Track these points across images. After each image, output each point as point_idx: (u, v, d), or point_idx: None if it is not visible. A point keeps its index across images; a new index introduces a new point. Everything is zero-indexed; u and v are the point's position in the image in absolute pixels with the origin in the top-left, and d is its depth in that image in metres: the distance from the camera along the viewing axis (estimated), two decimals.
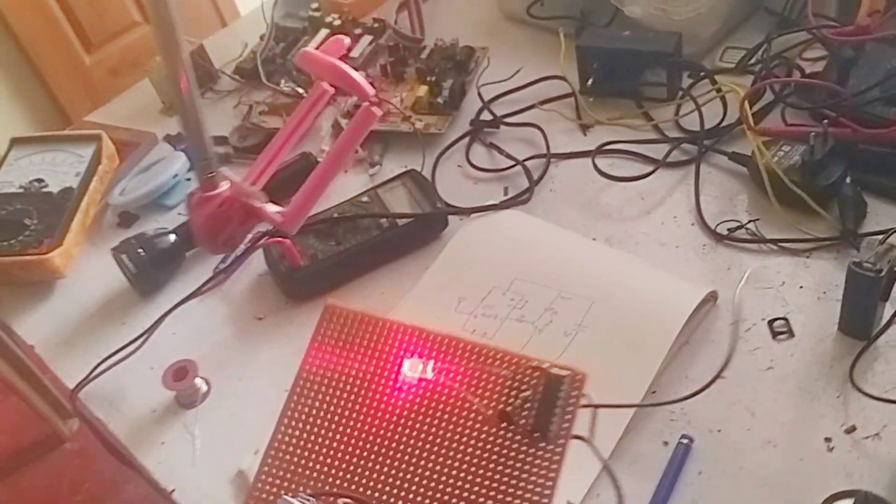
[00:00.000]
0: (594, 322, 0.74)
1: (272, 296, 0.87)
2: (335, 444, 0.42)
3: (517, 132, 0.96)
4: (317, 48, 0.69)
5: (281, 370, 0.79)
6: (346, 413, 0.42)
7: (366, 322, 0.42)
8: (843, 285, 0.68)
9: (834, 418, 0.66)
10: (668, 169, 0.88)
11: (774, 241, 0.78)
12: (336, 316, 0.44)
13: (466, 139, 0.97)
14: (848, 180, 0.78)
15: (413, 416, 0.39)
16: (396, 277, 0.85)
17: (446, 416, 0.39)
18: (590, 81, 0.96)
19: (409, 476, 0.39)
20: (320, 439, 0.42)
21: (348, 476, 0.39)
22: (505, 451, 0.39)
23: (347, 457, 0.40)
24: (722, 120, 0.89)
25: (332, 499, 0.34)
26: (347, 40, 0.70)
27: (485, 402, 0.35)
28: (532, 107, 0.97)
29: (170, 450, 0.76)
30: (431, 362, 0.37)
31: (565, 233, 0.84)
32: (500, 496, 0.37)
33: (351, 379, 0.42)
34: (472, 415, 0.38)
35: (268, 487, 0.46)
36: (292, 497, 0.41)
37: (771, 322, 0.73)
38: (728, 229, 0.80)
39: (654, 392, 0.70)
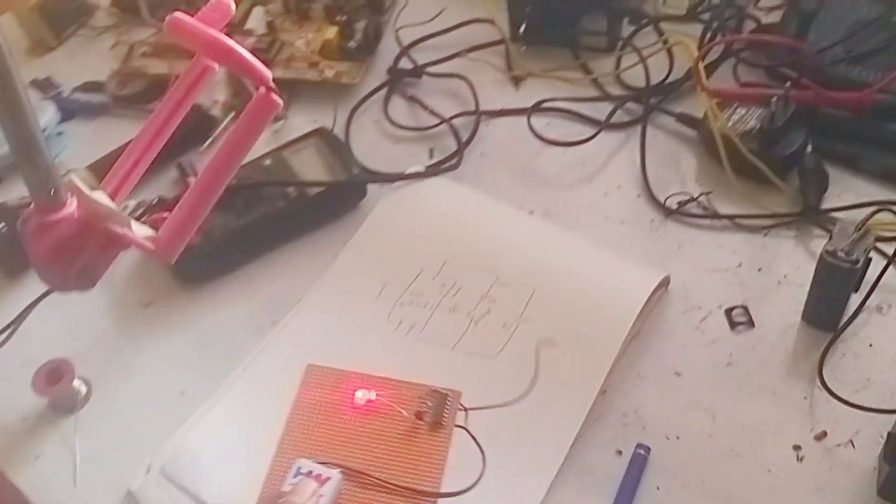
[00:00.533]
0: (536, 313, 0.66)
1: (161, 279, 0.74)
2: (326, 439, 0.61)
3: (441, 84, 0.85)
4: (193, 14, 0.51)
5: (173, 367, 0.69)
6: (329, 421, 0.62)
7: (334, 373, 0.64)
8: (813, 274, 0.62)
9: (802, 423, 0.60)
10: (611, 131, 0.79)
11: (729, 217, 0.71)
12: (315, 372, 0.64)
13: (384, 91, 0.86)
14: (809, 149, 0.71)
15: (368, 421, 0.62)
16: (308, 255, 0.74)
17: (386, 420, 0.62)
18: (522, 27, 0.85)
19: (366, 454, 0.60)
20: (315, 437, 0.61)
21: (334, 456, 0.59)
22: (417, 438, 0.60)
23: (332, 445, 0.60)
24: (668, 75, 0.81)
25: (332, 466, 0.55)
26: (232, 5, 0.53)
27: (405, 409, 0.61)
28: (458, 54, 0.86)
29: (45, 466, 0.64)
30: (374, 391, 0.62)
31: (500, 206, 0.74)
32: (413, 466, 0.59)
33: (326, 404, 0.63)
34: (399, 417, 0.61)
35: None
36: (307, 459, 0.55)
37: (729, 311, 0.66)
38: (678, 202, 0.73)
39: (604, 392, 0.63)
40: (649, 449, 0.59)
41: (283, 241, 0.75)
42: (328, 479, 0.54)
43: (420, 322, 0.68)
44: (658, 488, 0.58)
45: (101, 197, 0.51)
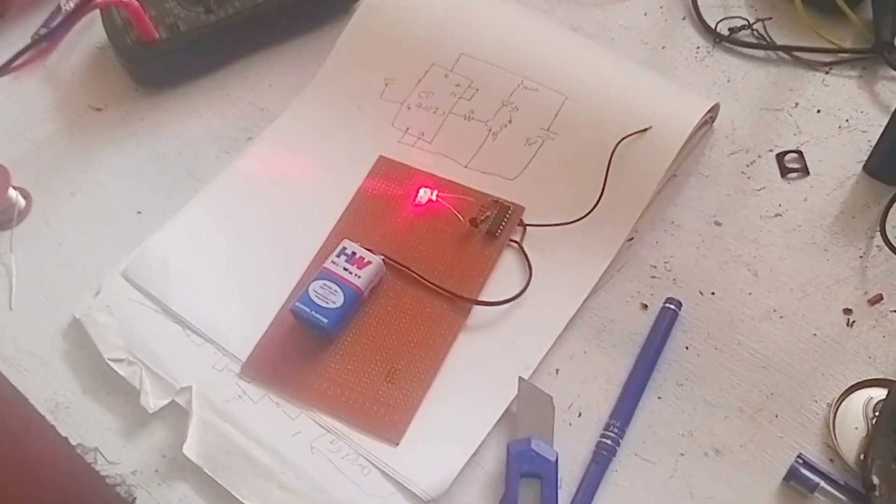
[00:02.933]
0: (566, 128, 0.56)
1: (115, 79, 0.63)
2: (380, 230, 0.55)
3: None
4: None
5: (128, 182, 0.59)
6: (387, 213, 0.56)
7: (404, 168, 0.57)
8: (887, 118, 0.53)
9: (855, 284, 0.52)
10: None
11: (787, 49, 0.61)
12: (385, 164, 0.58)
13: None
14: None
15: (424, 221, 0.55)
16: (292, 63, 0.63)
17: (441, 222, 0.55)
18: None
19: (414, 251, 0.54)
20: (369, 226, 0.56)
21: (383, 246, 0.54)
22: (468, 245, 0.54)
23: (385, 237, 0.55)
24: None
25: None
26: None
27: (463, 215, 0.55)
28: None
29: None
30: (435, 192, 0.55)
31: (523, 7, 0.63)
32: (457, 270, 0.54)
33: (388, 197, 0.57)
34: (455, 221, 0.55)
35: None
36: (354, 243, 0.53)
37: (781, 156, 0.57)
38: (730, 29, 0.62)
39: (630, 239, 0.55)
40: (680, 304, 0.52)
41: (264, 45, 0.64)
42: (369, 262, 0.52)
43: (430, 131, 0.58)
44: (687, 348, 0.51)
45: None
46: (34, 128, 0.62)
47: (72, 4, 0.64)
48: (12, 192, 0.58)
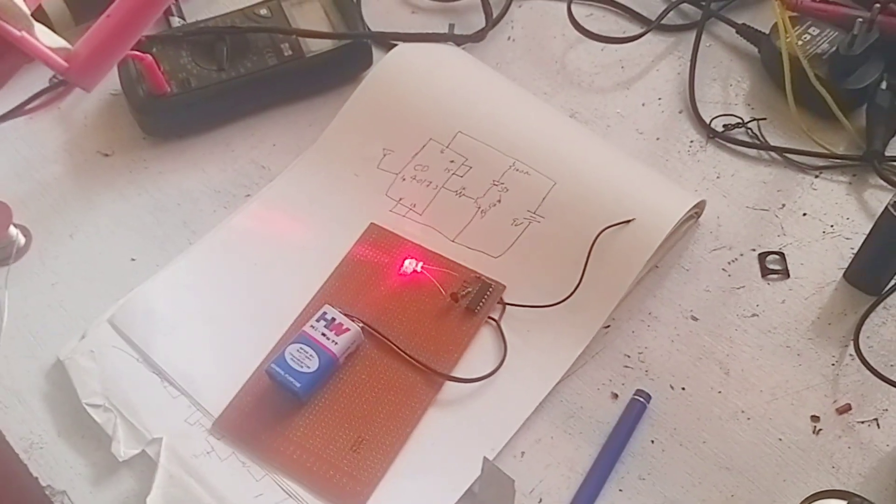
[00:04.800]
0: (552, 212, 0.57)
1: (125, 127, 0.65)
2: (361, 296, 0.57)
3: None
4: None
5: (126, 229, 0.61)
6: (370, 281, 0.57)
7: (393, 237, 0.59)
8: (868, 227, 0.53)
9: (825, 392, 0.53)
10: (660, 33, 0.69)
11: (780, 150, 0.62)
12: (375, 231, 0.59)
13: None
14: (884, 86, 0.62)
15: (407, 291, 0.57)
16: (297, 126, 0.65)
17: (423, 294, 0.56)
18: None
19: (393, 321, 0.55)
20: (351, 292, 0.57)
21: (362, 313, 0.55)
22: (447, 319, 0.56)
23: (365, 304, 0.56)
24: None
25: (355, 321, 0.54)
26: None
27: (445, 289, 0.56)
28: None
29: None
30: (421, 263, 0.57)
31: (523, 90, 0.65)
32: (434, 344, 0.55)
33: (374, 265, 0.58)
34: (436, 294, 0.56)
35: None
36: (335, 308, 0.54)
37: (763, 256, 0.58)
38: (724, 125, 0.64)
39: (607, 327, 0.55)
40: (650, 397, 0.52)
41: (271, 105, 0.66)
42: (347, 329, 0.53)
43: (421, 202, 0.59)
44: (653, 442, 0.51)
45: None
46: (42, 168, 0.64)
47: None
48: (13, 230, 0.60)
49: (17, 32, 0.42)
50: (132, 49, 0.59)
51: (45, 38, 0.42)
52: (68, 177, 0.63)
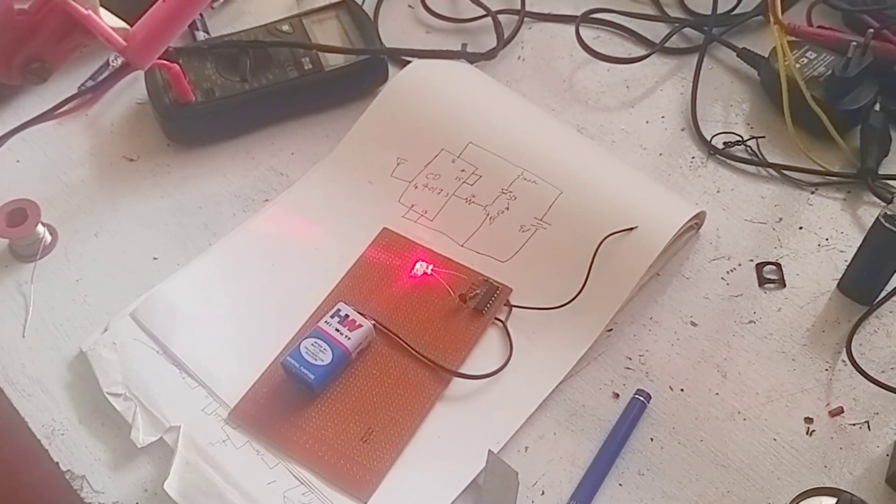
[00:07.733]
0: (558, 220, 0.59)
1: (150, 133, 0.68)
2: (374, 296, 0.59)
3: None
4: None
5: (149, 229, 0.63)
6: (383, 282, 0.60)
7: (405, 241, 0.62)
8: (860, 240, 0.56)
9: (818, 395, 0.55)
10: (664, 56, 0.72)
11: (777, 167, 0.65)
12: (388, 236, 0.62)
13: None
14: (877, 108, 0.64)
15: (417, 292, 0.59)
16: (315, 136, 0.68)
17: (433, 295, 0.59)
18: None
19: (404, 320, 0.58)
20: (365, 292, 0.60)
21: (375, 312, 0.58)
22: (455, 319, 0.58)
23: (378, 303, 0.59)
24: (736, 5, 0.73)
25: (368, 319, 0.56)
26: None
27: (454, 290, 0.58)
28: None
29: None
30: (431, 266, 0.60)
31: (531, 105, 0.68)
32: (442, 342, 0.57)
33: (386, 266, 0.61)
34: (446, 296, 0.59)
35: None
36: (349, 305, 0.56)
37: (760, 266, 0.60)
38: (725, 143, 0.66)
39: (609, 330, 0.57)
40: (650, 397, 0.54)
41: (291, 116, 0.69)
42: (360, 326, 0.55)
43: (433, 209, 0.62)
44: (652, 440, 0.53)
45: None
46: (69, 171, 0.66)
47: (119, 62, 0.70)
48: (40, 228, 0.62)
49: (85, 11, 0.44)
50: (160, 58, 0.63)
51: (107, 18, 0.45)
52: (94, 179, 0.66)
